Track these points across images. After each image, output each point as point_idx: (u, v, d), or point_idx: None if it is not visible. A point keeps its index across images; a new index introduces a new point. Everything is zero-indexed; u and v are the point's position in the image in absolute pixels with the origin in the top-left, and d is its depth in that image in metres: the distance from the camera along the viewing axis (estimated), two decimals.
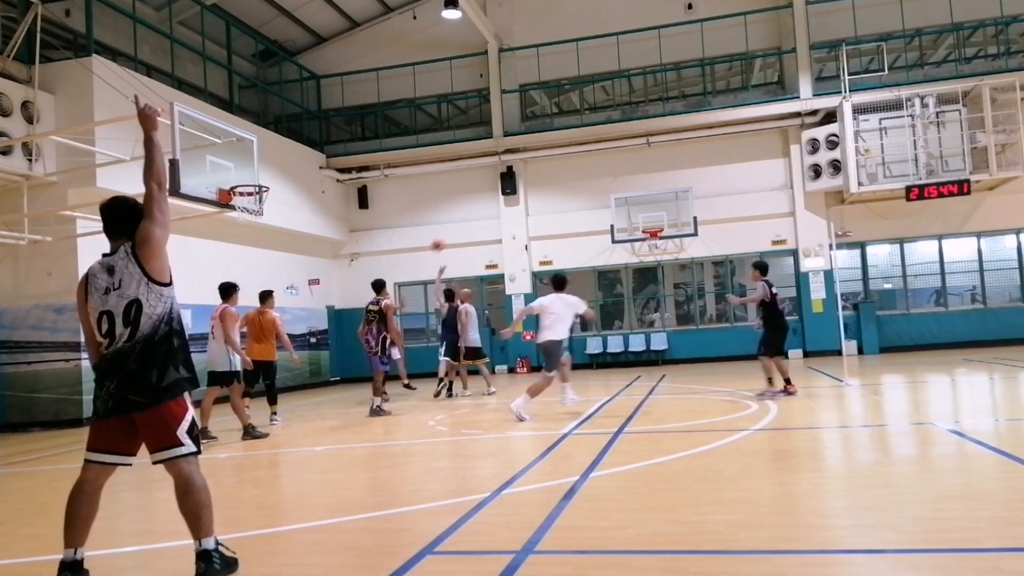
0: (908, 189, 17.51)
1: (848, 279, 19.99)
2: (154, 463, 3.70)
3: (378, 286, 12.09)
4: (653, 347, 20.41)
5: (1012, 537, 3.77)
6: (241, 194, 11.63)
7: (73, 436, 11.19)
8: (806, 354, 19.37)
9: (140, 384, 3.64)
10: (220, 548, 3.76)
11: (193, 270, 16.05)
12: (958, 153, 17.52)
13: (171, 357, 3.79)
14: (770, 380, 10.56)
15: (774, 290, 10.67)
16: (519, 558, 3.84)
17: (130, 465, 3.81)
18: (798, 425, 7.96)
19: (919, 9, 19.29)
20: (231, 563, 3.79)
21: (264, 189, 11.98)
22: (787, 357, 11.63)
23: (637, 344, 20.56)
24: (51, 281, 13.34)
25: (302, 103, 22.17)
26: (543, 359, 10.04)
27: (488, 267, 21.59)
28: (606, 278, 21.72)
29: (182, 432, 3.70)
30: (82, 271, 13.99)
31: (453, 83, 22.19)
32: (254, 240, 17.92)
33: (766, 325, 10.65)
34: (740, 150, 20.11)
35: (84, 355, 13.28)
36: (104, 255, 3.85)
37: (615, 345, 20.69)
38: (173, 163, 10.22)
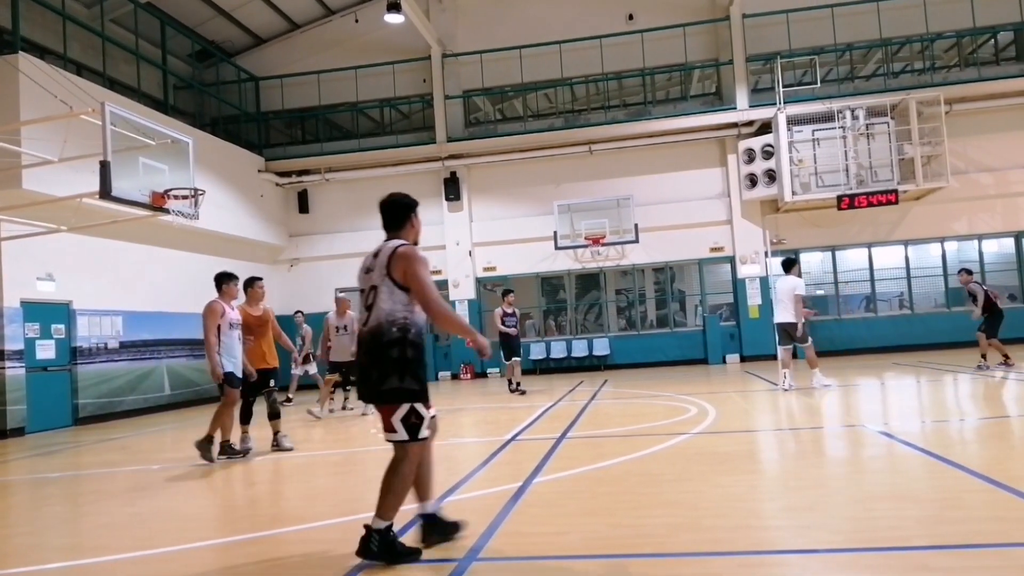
0: (839, 198, 18.07)
1: None
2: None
3: None
4: (595, 352, 20.59)
5: (939, 535, 3.91)
6: (175, 197, 11.30)
7: None
8: (743, 359, 19.79)
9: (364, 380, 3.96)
10: (389, 536, 3.92)
11: (125, 276, 15.59)
12: (887, 164, 18.16)
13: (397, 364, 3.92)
14: (984, 356, 12.96)
15: (985, 287, 13.27)
16: (462, 565, 3.82)
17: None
18: (735, 428, 8.12)
19: (850, 24, 19.97)
20: (394, 554, 3.91)
21: (200, 192, 11.68)
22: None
23: (580, 349, 20.72)
24: None
25: (240, 105, 21.74)
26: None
27: (431, 273, 21.41)
28: (549, 284, 21.83)
29: (396, 420, 3.92)
30: (7, 275, 13.32)
31: (396, 87, 22.05)
32: (189, 245, 17.47)
33: (987, 313, 12.96)
34: (679, 159, 20.47)
35: (8, 364, 12.74)
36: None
37: (558, 350, 20.81)
38: (104, 165, 9.88)
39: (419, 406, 3.92)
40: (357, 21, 22.12)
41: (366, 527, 3.94)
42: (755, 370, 16.61)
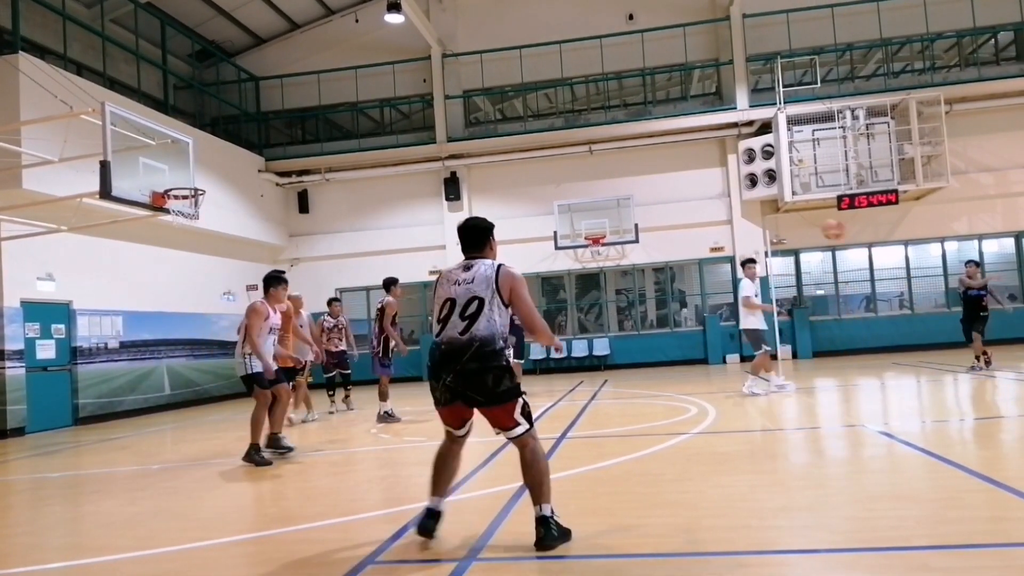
0: (839, 198, 18.07)
1: (783, 285, 20.51)
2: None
3: (386, 284, 11.60)
4: (595, 352, 20.59)
5: (940, 535, 3.91)
6: (176, 197, 11.30)
7: None
8: (743, 358, 19.77)
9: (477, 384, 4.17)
10: (555, 517, 4.09)
11: (125, 276, 15.59)
12: (887, 164, 18.16)
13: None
14: (977, 357, 12.66)
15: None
16: (463, 565, 3.82)
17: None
18: (735, 428, 8.12)
19: (850, 24, 19.98)
20: (566, 533, 4.12)
21: (200, 192, 11.67)
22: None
23: (580, 349, 20.72)
24: None
25: (240, 105, 21.74)
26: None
27: (431, 273, 21.44)
28: (549, 284, 21.83)
29: (518, 414, 4.22)
30: (7, 274, 13.30)
31: (396, 87, 22.06)
32: (190, 245, 17.47)
33: (984, 312, 12.72)
34: (679, 159, 20.48)
35: (9, 363, 12.74)
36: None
37: None
38: (104, 165, 9.88)
39: (526, 397, 4.32)
40: (357, 21, 22.12)
41: (540, 519, 4.07)
42: None
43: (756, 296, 11.23)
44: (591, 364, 20.58)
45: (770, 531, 4.23)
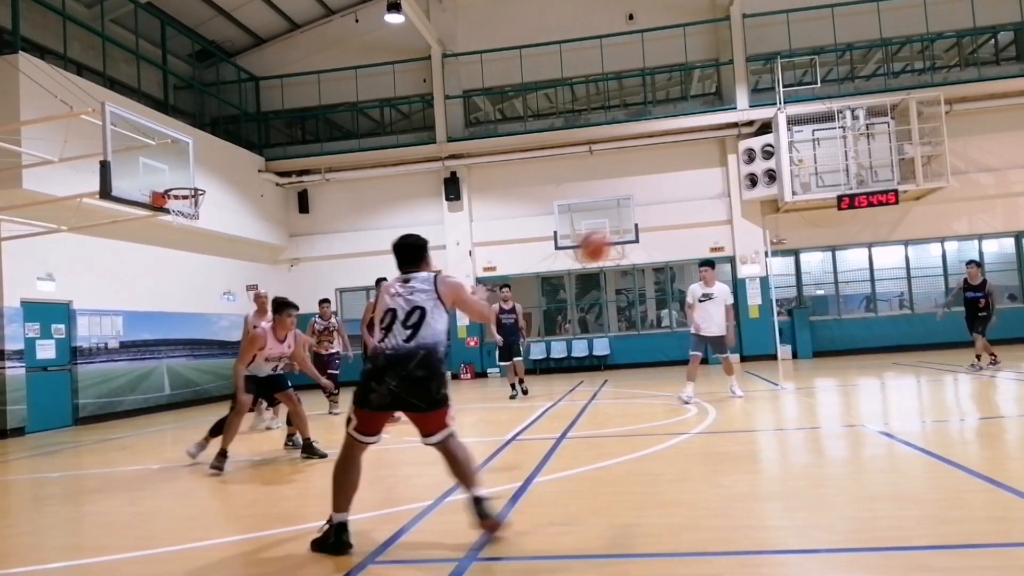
0: (839, 198, 18.07)
1: (783, 285, 20.53)
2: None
3: (377, 283, 11.17)
4: (595, 352, 20.59)
5: (940, 535, 3.91)
6: (176, 197, 11.31)
7: None
8: (743, 358, 19.77)
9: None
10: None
11: (125, 275, 15.59)
12: (887, 164, 18.16)
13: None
14: (978, 356, 12.84)
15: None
16: (463, 565, 3.82)
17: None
18: (735, 428, 8.12)
19: (850, 24, 19.98)
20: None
21: (200, 192, 11.68)
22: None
23: (580, 349, 20.72)
24: None
25: (240, 105, 21.74)
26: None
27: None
28: (549, 284, 21.84)
29: (450, 418, 4.47)
30: (7, 274, 13.23)
31: (396, 87, 22.06)
32: (190, 245, 17.47)
33: (986, 312, 12.78)
34: (679, 159, 20.47)
35: (9, 363, 12.75)
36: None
37: (558, 350, 20.81)
38: (104, 165, 9.89)
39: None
40: (357, 21, 22.12)
41: (478, 498, 4.31)
42: (755, 370, 16.61)
43: (702, 300, 10.65)
44: (591, 364, 20.58)
45: (770, 531, 4.23)
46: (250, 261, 20.36)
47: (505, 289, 13.75)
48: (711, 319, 10.60)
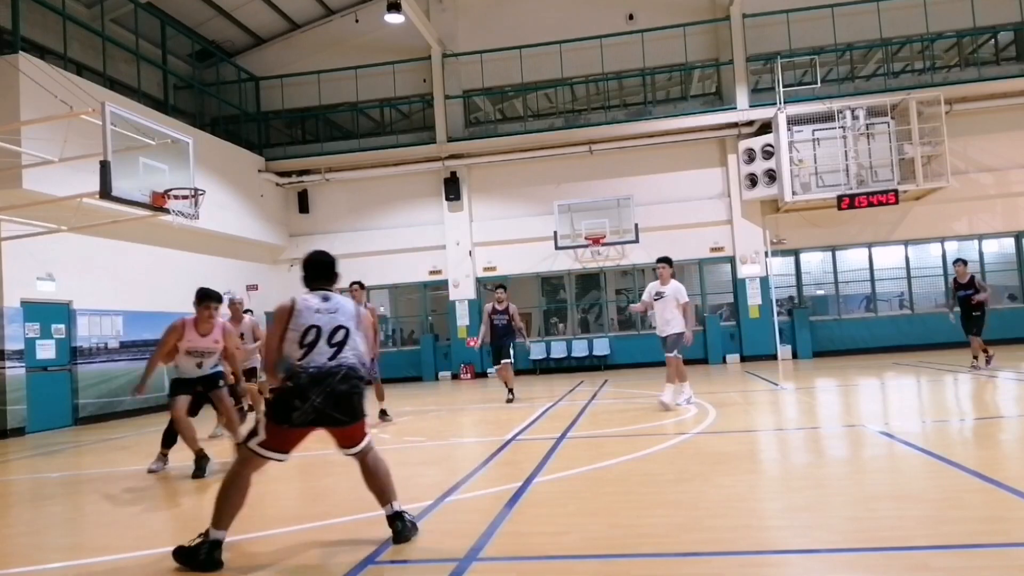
0: (840, 198, 18.07)
1: (783, 285, 20.53)
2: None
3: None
4: (595, 352, 20.59)
5: (940, 535, 3.91)
6: (176, 197, 11.32)
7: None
8: (743, 358, 19.80)
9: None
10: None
11: (125, 276, 15.59)
12: (887, 164, 18.16)
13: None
14: (975, 356, 12.81)
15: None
16: (462, 565, 3.82)
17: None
18: (735, 428, 8.12)
19: (850, 24, 19.98)
20: (415, 526, 4.47)
21: (200, 192, 11.69)
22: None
23: (580, 349, 20.72)
24: None
25: (240, 105, 21.74)
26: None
27: (432, 273, 21.50)
28: (549, 284, 21.84)
29: (368, 428, 4.58)
30: (7, 275, 13.16)
31: (396, 87, 22.06)
32: (189, 245, 17.46)
33: (979, 312, 12.72)
34: (680, 159, 20.48)
35: (9, 363, 12.74)
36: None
37: (558, 350, 20.81)
38: (104, 165, 9.89)
39: None
40: (357, 21, 22.12)
41: (396, 515, 4.39)
42: (755, 370, 16.61)
43: (656, 299, 10.19)
44: (591, 364, 20.58)
45: (770, 531, 4.23)
46: (250, 261, 20.36)
47: (500, 290, 13.28)
48: (660, 318, 10.19)
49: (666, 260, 10.25)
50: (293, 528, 4.92)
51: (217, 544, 4.10)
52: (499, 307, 12.92)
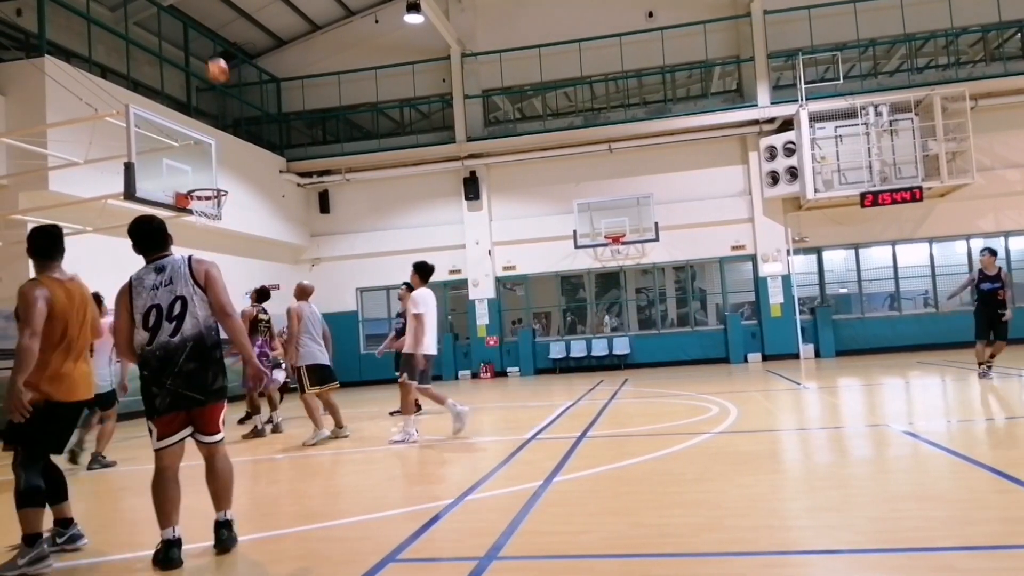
0: (863, 196, 17.88)
1: (805, 284, 20.34)
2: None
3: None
4: (616, 351, 20.53)
5: (965, 536, 3.86)
6: (199, 198, 11.43)
7: None
8: (765, 357, 19.65)
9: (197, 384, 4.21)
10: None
11: None
12: (911, 161, 17.95)
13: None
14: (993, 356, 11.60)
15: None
16: (483, 564, 3.82)
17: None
18: (757, 427, 8.07)
19: (873, 20, 19.76)
20: (236, 540, 4.41)
21: (223, 193, 11.80)
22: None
23: (600, 348, 20.67)
24: (1, 287, 12.96)
25: (262, 106, 21.91)
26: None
27: (451, 272, 21.53)
28: (569, 283, 21.81)
29: (222, 420, 4.36)
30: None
31: (416, 87, 22.13)
32: (212, 245, 17.57)
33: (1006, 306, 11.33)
34: (700, 157, 20.36)
35: None
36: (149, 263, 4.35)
37: (578, 349, 20.78)
38: (129, 167, 10.01)
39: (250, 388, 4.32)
40: (377, 22, 22.22)
41: (224, 523, 4.39)
42: (777, 369, 16.49)
43: (419, 311, 8.66)
44: (611, 363, 20.52)
45: (793, 531, 4.20)
46: (272, 261, 20.50)
47: (403, 287, 10.78)
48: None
49: (419, 267, 9.10)
50: (314, 526, 4.95)
51: (168, 544, 4.11)
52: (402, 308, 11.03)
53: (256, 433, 10.11)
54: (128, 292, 4.24)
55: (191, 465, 4.49)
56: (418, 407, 11.37)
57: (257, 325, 10.67)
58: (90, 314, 4.70)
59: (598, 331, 21.26)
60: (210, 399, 4.23)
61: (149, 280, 4.24)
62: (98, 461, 8.33)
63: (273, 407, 10.90)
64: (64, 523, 4.66)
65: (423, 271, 8.91)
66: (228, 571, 4.09)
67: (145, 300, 4.21)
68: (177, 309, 4.18)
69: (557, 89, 22.04)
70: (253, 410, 10.50)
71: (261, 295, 11.08)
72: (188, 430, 4.31)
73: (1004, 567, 3.40)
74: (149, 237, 4.36)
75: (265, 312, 10.98)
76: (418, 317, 8.56)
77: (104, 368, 8.05)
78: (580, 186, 20.72)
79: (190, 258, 4.33)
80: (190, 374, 4.15)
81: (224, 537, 4.33)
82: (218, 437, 4.35)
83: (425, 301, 8.66)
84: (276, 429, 10.48)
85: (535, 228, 21.02)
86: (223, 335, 4.39)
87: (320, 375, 9.25)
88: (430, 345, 8.67)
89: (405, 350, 8.90)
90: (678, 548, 3.95)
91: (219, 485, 4.39)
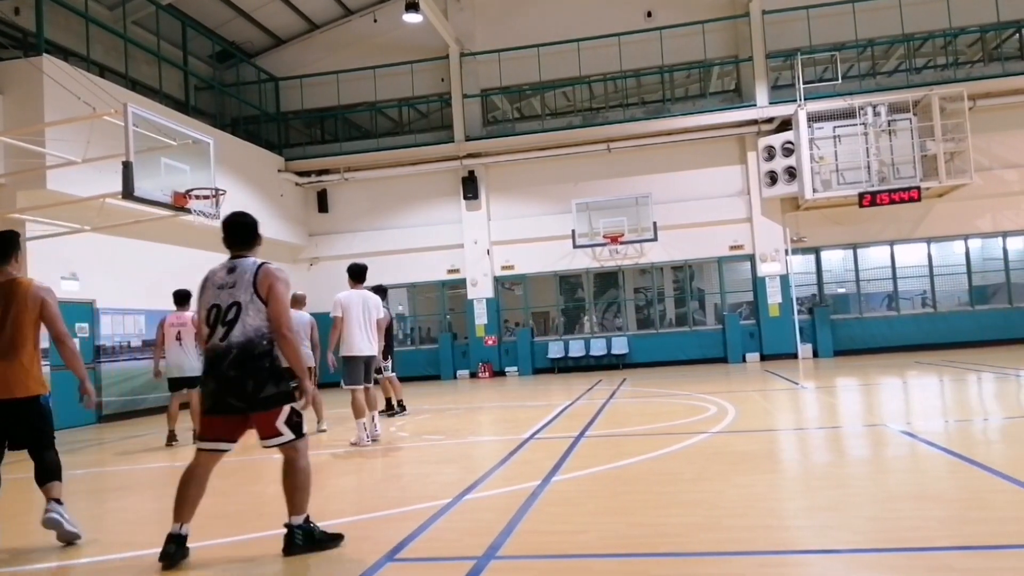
0: (861, 196, 17.90)
1: (803, 284, 20.35)
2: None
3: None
4: (614, 351, 20.54)
5: (963, 536, 3.87)
6: (197, 197, 11.42)
7: None
8: (763, 357, 19.66)
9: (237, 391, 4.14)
10: (309, 525, 4.24)
11: (147, 275, 15.75)
12: (909, 161, 17.96)
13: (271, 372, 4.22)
14: None
15: None
16: (481, 563, 3.82)
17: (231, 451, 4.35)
18: (755, 427, 8.07)
19: (871, 20, 19.77)
20: (319, 541, 4.23)
21: (221, 192, 11.78)
22: None
23: (598, 348, 20.68)
24: None
25: (260, 105, 21.89)
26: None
27: (450, 272, 21.54)
28: (568, 283, 21.82)
29: (281, 424, 4.18)
30: (33, 274, 13.60)
31: (414, 87, 22.12)
32: (210, 244, 17.43)
33: None
34: (698, 156, 20.36)
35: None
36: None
37: (576, 349, 20.78)
38: (127, 166, 10.00)
39: (297, 405, 4.25)
40: (376, 21, 22.21)
41: (287, 526, 4.22)
42: (775, 369, 16.50)
43: (337, 314, 8.60)
44: (610, 363, 20.52)
45: (790, 531, 4.20)
46: (270, 260, 20.45)
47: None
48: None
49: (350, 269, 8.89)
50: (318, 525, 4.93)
51: (170, 538, 4.09)
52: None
53: None
54: (202, 285, 4.32)
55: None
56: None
57: None
58: (12, 313, 4.76)
59: (594, 331, 21.27)
60: (255, 407, 4.14)
61: (218, 278, 4.27)
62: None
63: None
64: None
65: (354, 273, 8.83)
66: (222, 571, 4.09)
67: (209, 297, 4.25)
68: (231, 314, 4.15)
69: (556, 89, 22.04)
70: None
71: None
72: (227, 445, 4.29)
73: (1002, 567, 3.41)
74: (232, 231, 4.38)
75: None
76: (335, 320, 8.54)
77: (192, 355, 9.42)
78: (579, 186, 20.72)
79: (260, 266, 4.25)
80: (230, 381, 4.12)
81: (289, 542, 4.20)
82: (275, 440, 4.20)
83: (346, 304, 8.59)
84: None
85: (533, 228, 21.02)
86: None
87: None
88: (348, 347, 8.54)
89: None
90: (676, 547, 3.95)
91: (283, 485, 4.29)
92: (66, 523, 4.72)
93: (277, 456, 4.36)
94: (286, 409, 4.18)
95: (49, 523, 4.70)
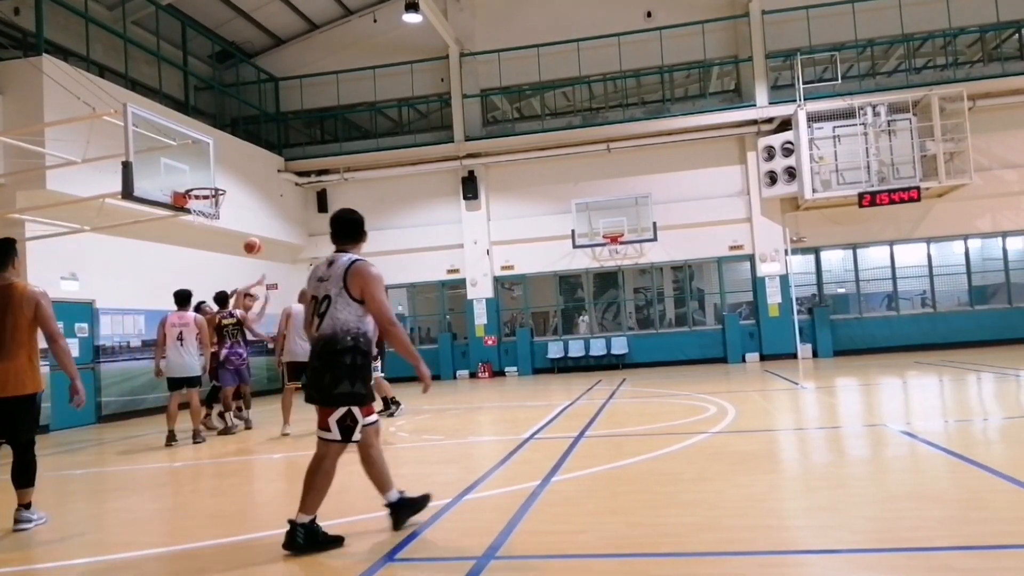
0: (861, 196, 17.90)
1: (803, 284, 20.36)
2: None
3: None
4: (614, 351, 20.54)
5: (962, 536, 3.87)
6: (196, 197, 11.41)
7: None
8: (762, 357, 19.67)
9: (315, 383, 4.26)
10: (314, 527, 4.22)
11: (146, 275, 15.75)
12: (909, 161, 17.97)
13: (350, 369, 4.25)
14: None
15: None
16: (480, 564, 3.82)
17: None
18: (755, 427, 8.07)
19: (871, 20, 19.77)
20: (320, 543, 4.21)
21: (220, 192, 11.78)
22: None
23: (598, 348, 20.68)
24: None
25: (260, 105, 21.89)
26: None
27: (449, 272, 21.54)
28: (567, 283, 21.82)
29: (332, 421, 4.22)
30: (32, 274, 13.47)
31: (414, 87, 22.12)
32: (210, 244, 17.62)
33: None
34: (698, 157, 20.37)
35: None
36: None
37: (576, 349, 20.78)
38: (126, 166, 10.00)
39: (356, 410, 4.25)
40: (375, 21, 22.21)
41: (291, 522, 4.22)
42: (775, 369, 16.50)
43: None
44: (609, 363, 20.52)
45: (790, 531, 4.20)
46: (270, 260, 20.44)
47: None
48: None
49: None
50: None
51: (293, 525, 4.20)
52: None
53: (227, 430, 10.62)
54: (308, 278, 4.49)
55: (197, 465, 4.48)
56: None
57: (222, 329, 10.97)
58: (10, 316, 5.07)
59: (594, 331, 21.27)
60: (325, 401, 4.22)
61: (319, 271, 4.41)
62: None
63: (246, 406, 11.41)
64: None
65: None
66: (221, 571, 4.09)
67: (311, 289, 4.41)
68: (324, 307, 4.27)
69: (555, 89, 22.04)
70: (225, 407, 10.83)
71: (219, 301, 11.34)
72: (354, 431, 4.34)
73: (1002, 567, 3.41)
74: (338, 226, 4.55)
75: (231, 316, 11.12)
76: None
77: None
78: (578, 186, 20.73)
79: (353, 263, 4.33)
80: (314, 371, 4.25)
81: (287, 538, 4.21)
82: (323, 434, 4.27)
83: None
84: (248, 426, 11.12)
85: (533, 228, 21.02)
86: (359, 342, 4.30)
87: (296, 372, 10.04)
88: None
89: None
90: (676, 548, 3.95)
91: (371, 474, 4.47)
92: (35, 523, 5.26)
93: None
94: (343, 409, 4.21)
95: (19, 530, 5.17)
